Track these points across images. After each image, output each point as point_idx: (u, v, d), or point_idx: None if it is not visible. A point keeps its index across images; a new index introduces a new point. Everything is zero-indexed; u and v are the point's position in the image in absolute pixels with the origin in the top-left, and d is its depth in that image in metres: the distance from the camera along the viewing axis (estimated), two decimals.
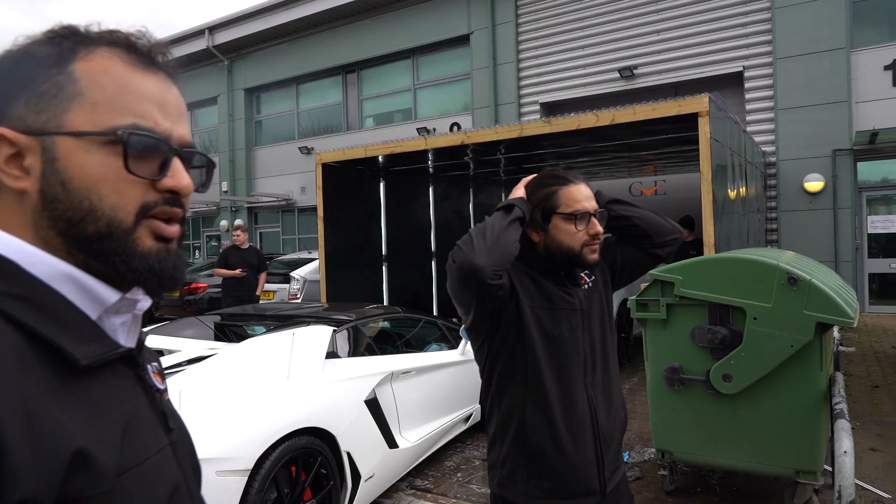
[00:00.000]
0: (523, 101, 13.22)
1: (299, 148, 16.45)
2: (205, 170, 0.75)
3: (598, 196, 1.69)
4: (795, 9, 10.30)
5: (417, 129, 14.20)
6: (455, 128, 13.82)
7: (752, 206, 8.32)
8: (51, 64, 0.64)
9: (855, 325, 3.10)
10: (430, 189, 10.38)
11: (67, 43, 0.65)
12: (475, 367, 4.97)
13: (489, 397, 1.65)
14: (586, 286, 1.66)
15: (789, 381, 3.21)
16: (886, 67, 9.89)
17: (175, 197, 0.68)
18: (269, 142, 17.83)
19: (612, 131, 6.76)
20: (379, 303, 8.33)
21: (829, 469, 3.13)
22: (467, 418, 4.75)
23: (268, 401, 2.97)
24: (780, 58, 10.46)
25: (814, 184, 10.14)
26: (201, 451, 2.90)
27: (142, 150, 0.65)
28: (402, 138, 8.74)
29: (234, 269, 7.71)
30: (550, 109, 13.09)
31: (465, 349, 4.83)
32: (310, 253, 11.68)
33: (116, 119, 0.64)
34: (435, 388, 4.33)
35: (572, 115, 6.47)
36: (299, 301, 9.11)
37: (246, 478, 2.66)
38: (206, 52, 17.61)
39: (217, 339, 4.25)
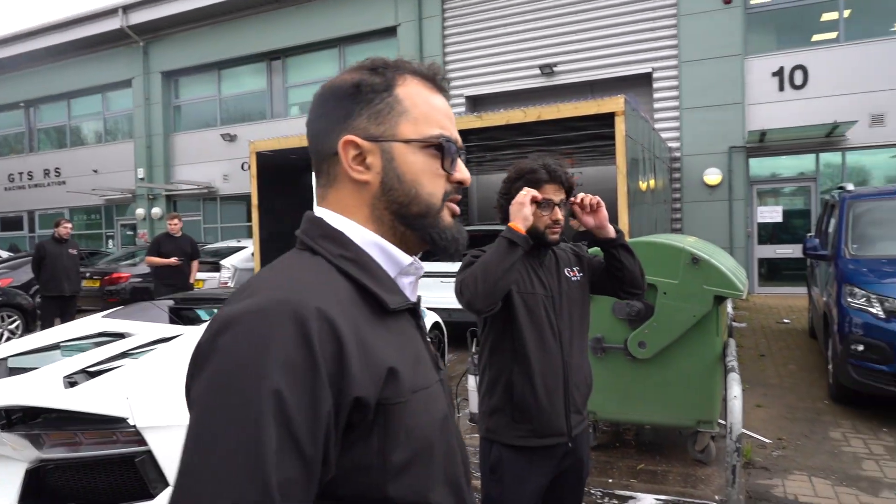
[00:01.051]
0: (449, 93, 13.63)
1: (221, 135, 16.15)
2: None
3: (618, 236, 2.07)
4: (698, 17, 11.27)
5: None
6: None
7: (659, 197, 9.15)
8: (382, 89, 0.86)
9: (744, 298, 3.73)
10: None
11: (389, 73, 0.87)
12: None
13: (482, 361, 2.08)
14: (576, 279, 2.11)
15: (692, 346, 3.80)
16: (774, 74, 11.03)
17: (460, 186, 0.91)
18: (189, 128, 17.36)
19: (537, 126, 7.30)
20: None
21: (723, 423, 3.74)
22: None
23: None
24: (685, 61, 11.41)
25: (712, 178, 11.18)
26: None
27: (446, 151, 0.87)
28: None
29: (168, 258, 7.69)
30: (475, 103, 13.60)
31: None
32: (239, 242, 11.64)
33: (429, 129, 0.87)
34: None
35: (502, 110, 6.95)
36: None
37: None
38: (119, 33, 16.87)
39: (173, 322, 4.40)
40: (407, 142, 0.85)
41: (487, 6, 13.11)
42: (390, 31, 14.16)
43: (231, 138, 15.97)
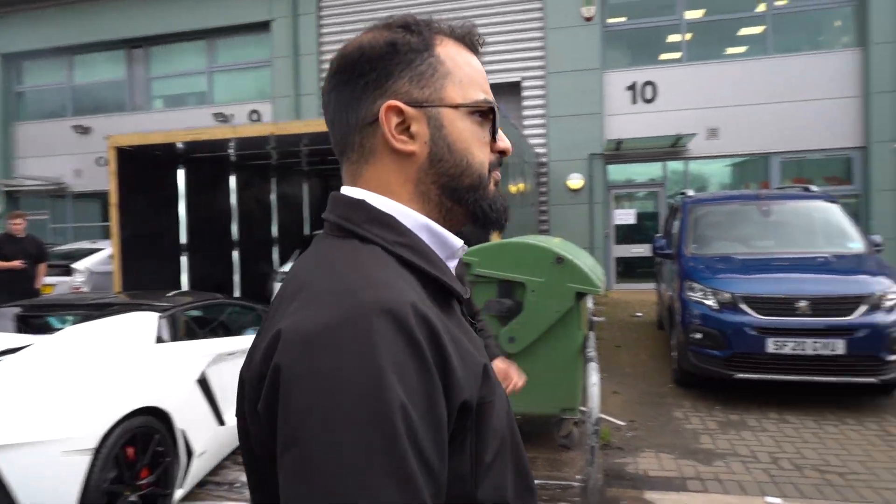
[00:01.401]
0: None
1: (73, 126, 14.80)
2: None
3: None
4: (563, 31, 12.01)
5: (213, 113, 13.69)
6: (254, 115, 13.60)
7: (528, 199, 9.66)
8: (422, 48, 0.77)
9: (602, 294, 4.08)
10: (233, 177, 10.22)
11: (426, 32, 0.78)
12: None
13: None
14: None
15: (556, 340, 4.10)
16: (627, 88, 12.03)
17: (502, 156, 0.83)
18: (35, 117, 15.71)
19: None
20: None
21: (584, 409, 4.08)
22: None
23: (104, 384, 3.05)
24: (551, 72, 12.12)
25: (575, 182, 11.98)
26: (47, 434, 2.99)
27: (492, 118, 0.80)
28: (196, 122, 8.49)
29: (11, 261, 6.97)
30: None
31: None
32: (94, 243, 10.76)
33: (474, 93, 0.78)
34: None
35: None
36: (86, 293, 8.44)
37: (90, 457, 2.76)
38: None
39: (20, 331, 4.03)
40: (455, 107, 0.77)
41: (364, 7, 13.10)
42: (263, 26, 13.72)
43: (84, 130, 14.70)
